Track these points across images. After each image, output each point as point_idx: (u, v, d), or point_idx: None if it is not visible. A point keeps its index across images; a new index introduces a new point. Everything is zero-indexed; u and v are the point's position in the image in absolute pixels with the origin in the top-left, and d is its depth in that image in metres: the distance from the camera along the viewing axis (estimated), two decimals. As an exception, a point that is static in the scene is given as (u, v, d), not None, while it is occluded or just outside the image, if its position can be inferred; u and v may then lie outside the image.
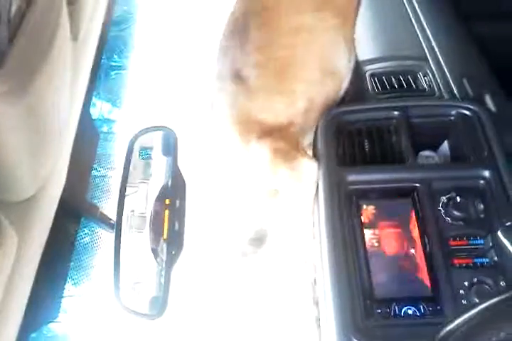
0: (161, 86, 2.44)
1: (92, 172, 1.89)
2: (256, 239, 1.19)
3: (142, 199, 0.99)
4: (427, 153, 1.05)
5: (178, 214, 0.87)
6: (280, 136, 0.96)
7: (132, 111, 2.36)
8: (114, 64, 2.59)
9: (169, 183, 0.96)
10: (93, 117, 2.19)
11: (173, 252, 0.83)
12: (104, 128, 2.31)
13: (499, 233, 0.81)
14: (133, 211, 0.97)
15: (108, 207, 1.90)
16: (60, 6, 0.90)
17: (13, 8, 0.81)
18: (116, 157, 2.14)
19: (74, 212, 1.31)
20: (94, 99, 2.20)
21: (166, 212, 0.88)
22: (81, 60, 1.19)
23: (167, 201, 0.89)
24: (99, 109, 2.36)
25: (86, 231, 1.68)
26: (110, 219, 1.32)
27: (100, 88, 2.34)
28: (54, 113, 0.93)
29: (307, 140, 1.07)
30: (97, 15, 1.37)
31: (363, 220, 0.90)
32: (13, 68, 0.80)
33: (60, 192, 1.07)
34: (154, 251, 0.90)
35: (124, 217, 0.93)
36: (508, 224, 0.82)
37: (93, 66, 1.39)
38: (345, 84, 1.08)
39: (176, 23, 2.74)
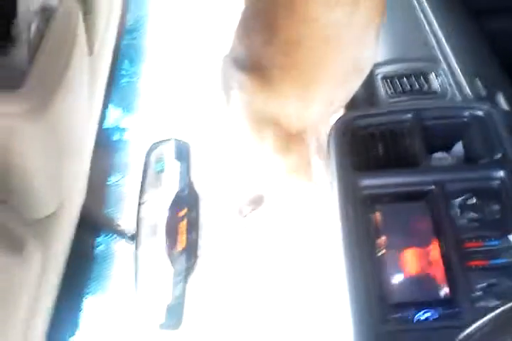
0: (174, 94, 2.45)
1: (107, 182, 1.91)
2: (253, 201, 1.19)
3: (156, 207, 1.01)
4: (440, 154, 1.05)
5: (194, 225, 0.89)
6: (293, 143, 0.95)
7: (145, 119, 2.38)
8: (125, 72, 2.62)
9: (184, 193, 0.98)
10: (106, 126, 2.21)
11: (190, 262, 0.84)
12: (117, 136, 2.33)
13: (515, 234, 0.81)
14: (147, 218, 0.99)
15: (123, 217, 1.93)
16: (77, 23, 0.92)
17: (32, 29, 0.84)
18: (129, 165, 2.16)
19: (92, 226, 1.34)
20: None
21: (183, 222, 0.89)
22: (97, 73, 1.22)
23: (183, 212, 0.91)
24: (112, 116, 2.38)
25: (104, 243, 1.71)
26: (127, 231, 1.35)
27: (112, 96, 2.36)
28: (73, 130, 0.95)
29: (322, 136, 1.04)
30: (111, 27, 1.40)
31: (378, 224, 0.91)
32: (33, 87, 0.82)
33: (80, 207, 1.10)
34: (171, 257, 0.92)
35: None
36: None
37: (108, 77, 1.42)
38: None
39: (188, 30, 2.75)
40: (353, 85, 0.98)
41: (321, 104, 0.97)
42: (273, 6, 0.83)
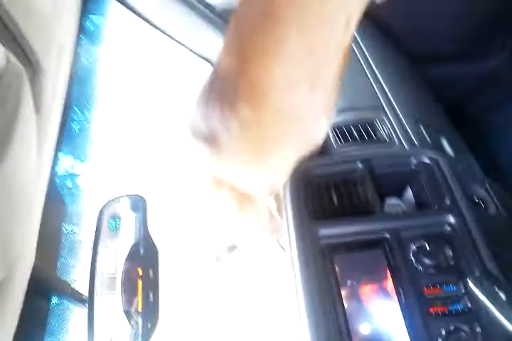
0: (126, 139, 2.45)
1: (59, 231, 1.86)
2: (229, 247, 1.20)
3: (112, 260, 0.98)
4: (393, 201, 1.08)
5: (151, 285, 0.86)
6: (249, 204, 0.96)
7: (97, 165, 2.36)
8: (76, 118, 2.61)
9: (140, 248, 0.95)
10: (58, 173, 2.18)
11: (149, 325, 0.81)
12: (69, 183, 2.29)
13: (470, 284, 0.83)
14: (103, 272, 0.95)
15: (78, 267, 1.87)
16: (22, 86, 0.91)
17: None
18: (83, 213, 2.12)
19: (43, 291, 1.28)
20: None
21: (139, 282, 0.87)
22: (46, 128, 1.20)
23: (140, 271, 0.88)
24: (63, 163, 2.35)
25: (57, 309, 1.64)
26: (82, 295, 1.30)
27: (64, 143, 2.33)
28: (22, 191, 0.93)
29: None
30: (60, 83, 1.39)
31: (337, 274, 0.91)
32: None
33: (30, 272, 1.05)
34: (127, 314, 0.88)
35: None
36: (477, 274, 0.83)
37: (59, 125, 1.40)
38: None
39: (139, 75, 2.78)
40: (305, 155, 0.99)
41: (277, 172, 0.96)
42: (234, 88, 0.82)
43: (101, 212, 0.96)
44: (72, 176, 2.32)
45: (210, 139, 0.88)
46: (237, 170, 0.93)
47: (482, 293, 0.80)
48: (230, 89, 0.83)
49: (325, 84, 0.83)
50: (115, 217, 0.99)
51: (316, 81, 0.79)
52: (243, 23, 0.78)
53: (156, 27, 1.93)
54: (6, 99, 0.89)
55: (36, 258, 1.14)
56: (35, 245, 1.09)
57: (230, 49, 0.80)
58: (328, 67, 0.79)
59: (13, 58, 0.94)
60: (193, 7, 1.81)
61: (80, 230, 2.07)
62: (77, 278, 1.90)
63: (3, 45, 1.03)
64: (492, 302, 0.79)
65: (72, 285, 1.32)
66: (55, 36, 1.30)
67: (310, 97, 0.81)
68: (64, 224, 1.99)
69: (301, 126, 0.88)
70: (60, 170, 2.31)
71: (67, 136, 2.41)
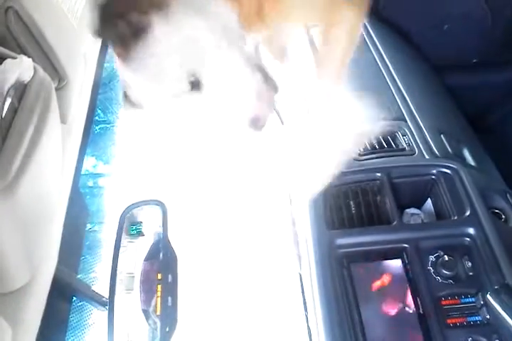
0: (149, 141, 2.48)
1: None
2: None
3: (131, 259, 0.99)
4: (412, 210, 1.08)
5: (170, 290, 0.87)
6: None
7: (120, 166, 2.39)
8: (98, 119, 2.65)
9: (160, 252, 0.96)
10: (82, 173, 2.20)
11: (167, 329, 0.82)
12: (90, 183, 2.32)
13: (489, 296, 0.82)
14: (122, 271, 0.97)
15: (100, 263, 1.89)
16: (49, 96, 0.94)
17: (6, 106, 0.85)
18: (105, 212, 2.15)
19: (65, 292, 1.30)
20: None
21: (159, 287, 0.88)
22: (71, 134, 1.23)
23: (159, 276, 0.89)
24: (86, 164, 2.38)
25: (78, 310, 1.66)
26: (102, 297, 1.31)
27: (88, 144, 2.37)
28: (43, 201, 0.95)
29: None
30: (85, 89, 1.42)
31: (355, 284, 0.91)
32: (2, 167, 0.82)
33: (52, 276, 1.07)
34: (145, 313, 0.90)
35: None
36: (496, 287, 0.83)
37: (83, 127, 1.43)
38: None
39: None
40: None
41: None
42: None
43: (121, 217, 0.98)
44: (95, 176, 2.36)
45: None
46: None
47: (501, 306, 0.80)
48: None
49: None
50: (135, 222, 1.01)
51: None
52: None
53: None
54: (34, 109, 0.91)
55: (59, 259, 1.16)
56: (58, 248, 1.11)
57: None
58: None
59: (40, 70, 0.97)
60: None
61: (102, 228, 2.09)
62: (98, 276, 1.92)
63: (31, 56, 1.07)
64: (510, 315, 0.79)
65: (92, 287, 1.34)
66: (81, 46, 1.33)
67: None
68: (87, 221, 2.02)
69: None
70: (84, 171, 2.34)
71: (92, 137, 2.45)
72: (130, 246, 1.01)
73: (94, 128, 2.56)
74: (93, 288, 1.34)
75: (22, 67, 0.92)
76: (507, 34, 1.70)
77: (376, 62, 1.41)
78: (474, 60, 1.80)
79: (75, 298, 1.38)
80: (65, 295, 1.30)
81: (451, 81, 1.65)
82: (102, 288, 1.48)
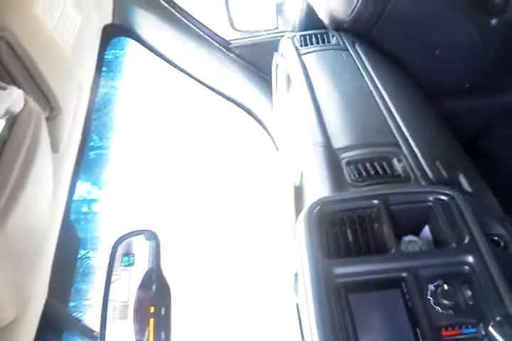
0: (142, 166, 2.49)
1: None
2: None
3: (125, 287, 0.98)
4: (410, 237, 1.06)
5: (163, 323, 0.85)
6: None
7: (115, 191, 2.39)
8: (93, 144, 2.66)
9: (152, 285, 0.94)
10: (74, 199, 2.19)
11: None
12: (84, 209, 2.32)
13: (490, 328, 0.80)
14: (115, 299, 0.95)
15: (92, 290, 1.86)
16: (40, 127, 0.93)
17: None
18: (98, 239, 2.13)
19: (55, 327, 1.27)
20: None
21: (151, 321, 0.86)
22: (63, 164, 1.21)
23: (151, 309, 0.87)
24: (80, 189, 2.38)
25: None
26: (93, 331, 1.29)
27: (81, 169, 2.38)
28: (35, 233, 0.93)
29: None
30: (78, 118, 1.42)
31: (353, 314, 0.89)
32: None
33: (41, 310, 1.05)
34: None
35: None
36: (498, 318, 0.81)
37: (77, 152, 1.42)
38: None
39: (156, 106, 2.84)
40: None
41: None
42: None
43: (113, 248, 0.96)
44: (88, 202, 2.35)
45: None
46: None
47: (503, 337, 0.78)
48: None
49: None
50: (128, 253, 0.99)
51: None
52: None
53: (170, 62, 1.98)
54: (24, 140, 0.90)
55: (49, 289, 1.14)
56: (48, 281, 1.09)
57: None
58: None
59: (31, 100, 0.97)
60: (207, 43, 1.85)
61: (94, 255, 2.08)
62: (91, 303, 1.89)
63: (22, 86, 1.06)
64: (514, 348, 0.77)
65: (82, 321, 1.31)
66: (75, 75, 1.33)
67: None
68: (80, 248, 2.01)
69: None
70: (77, 196, 2.34)
71: (85, 163, 2.46)
72: (124, 274, 0.99)
73: (89, 154, 2.57)
74: (85, 316, 1.31)
75: (12, 98, 0.91)
76: (499, 58, 1.72)
77: (369, 87, 1.42)
78: (467, 85, 1.81)
79: (64, 333, 1.35)
80: (54, 330, 1.27)
81: (445, 106, 1.66)
82: (95, 316, 1.45)
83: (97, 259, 2.03)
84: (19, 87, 0.96)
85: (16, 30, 1.07)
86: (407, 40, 1.68)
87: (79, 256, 2.02)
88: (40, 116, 0.96)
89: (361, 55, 1.59)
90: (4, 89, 0.92)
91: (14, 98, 0.91)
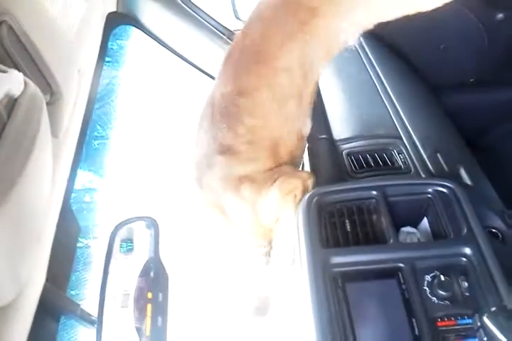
0: (143, 156, 2.49)
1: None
2: (260, 308, 1.19)
3: (125, 275, 0.98)
4: (408, 229, 1.06)
5: (160, 309, 0.85)
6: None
7: (115, 180, 2.39)
8: (96, 134, 2.66)
9: (151, 271, 0.94)
10: (76, 188, 2.20)
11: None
12: (87, 198, 2.32)
13: (485, 318, 0.80)
14: (116, 288, 0.95)
15: (90, 280, 1.86)
16: (40, 111, 0.93)
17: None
18: (98, 227, 2.14)
19: (53, 311, 1.27)
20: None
21: (149, 306, 0.86)
22: (63, 149, 1.22)
23: (149, 295, 0.87)
24: (81, 178, 2.38)
25: (66, 329, 1.64)
26: (91, 315, 1.29)
27: (83, 159, 2.38)
28: (35, 215, 0.93)
29: None
30: (79, 104, 1.42)
31: (350, 304, 0.89)
32: None
33: (40, 293, 1.05)
34: (139, 331, 0.87)
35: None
36: (493, 309, 0.81)
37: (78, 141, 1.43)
38: None
39: (157, 96, 2.83)
40: (301, 146, 1.18)
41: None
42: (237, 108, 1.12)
43: (112, 234, 0.96)
44: (90, 191, 2.36)
45: (226, 150, 1.10)
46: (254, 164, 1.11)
47: (498, 328, 0.78)
48: (232, 109, 1.10)
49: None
50: (126, 240, 0.99)
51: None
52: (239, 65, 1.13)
53: (173, 51, 1.97)
54: (24, 124, 0.90)
55: (47, 276, 1.14)
56: (46, 266, 1.09)
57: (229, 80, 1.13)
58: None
59: (31, 84, 0.96)
60: (211, 32, 1.84)
61: (95, 244, 2.08)
62: (90, 291, 1.90)
63: (23, 70, 1.06)
64: (508, 338, 0.77)
65: (81, 306, 1.31)
66: (76, 61, 1.33)
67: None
68: (79, 238, 2.01)
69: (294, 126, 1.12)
70: (78, 185, 2.34)
71: (87, 152, 2.46)
72: (124, 262, 0.99)
73: (92, 143, 2.58)
74: (85, 304, 1.32)
75: (12, 82, 0.91)
76: (504, 53, 1.71)
77: (373, 80, 1.41)
78: (472, 80, 1.81)
79: (63, 317, 1.36)
80: (52, 313, 1.27)
81: (449, 100, 1.65)
82: (94, 303, 1.45)
83: (98, 248, 2.04)
84: (20, 70, 0.96)
85: (18, 14, 1.07)
86: (413, 34, 1.67)
87: (80, 244, 2.03)
88: (40, 99, 0.95)
89: (366, 48, 1.59)
90: (5, 72, 0.92)
91: (14, 81, 0.91)
